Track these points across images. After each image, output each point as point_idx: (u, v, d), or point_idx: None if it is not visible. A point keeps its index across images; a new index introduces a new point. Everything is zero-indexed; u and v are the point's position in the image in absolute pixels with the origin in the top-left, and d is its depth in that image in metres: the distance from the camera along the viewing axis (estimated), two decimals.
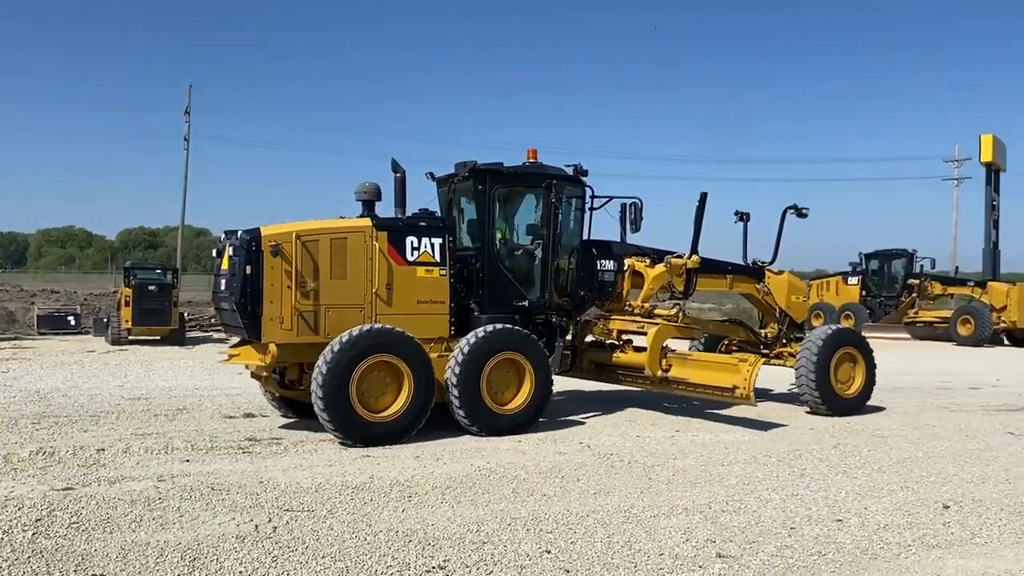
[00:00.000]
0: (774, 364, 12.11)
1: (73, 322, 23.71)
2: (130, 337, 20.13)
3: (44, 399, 11.31)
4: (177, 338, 20.35)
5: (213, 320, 25.75)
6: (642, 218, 10.64)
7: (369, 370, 8.43)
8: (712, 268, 11.69)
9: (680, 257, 11.12)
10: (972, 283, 28.22)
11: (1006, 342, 26.60)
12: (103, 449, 8.02)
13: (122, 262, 34.57)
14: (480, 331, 9.18)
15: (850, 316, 27.32)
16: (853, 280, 29.33)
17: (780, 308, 12.40)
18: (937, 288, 28.10)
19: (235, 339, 9.43)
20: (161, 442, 8.43)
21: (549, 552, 5.24)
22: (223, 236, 9.24)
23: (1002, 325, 26.10)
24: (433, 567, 4.97)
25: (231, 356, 9.28)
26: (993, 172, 35.16)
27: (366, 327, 8.52)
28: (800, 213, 12.41)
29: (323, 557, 5.09)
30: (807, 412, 11.05)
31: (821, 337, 11.07)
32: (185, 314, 22.66)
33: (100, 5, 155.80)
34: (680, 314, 11.04)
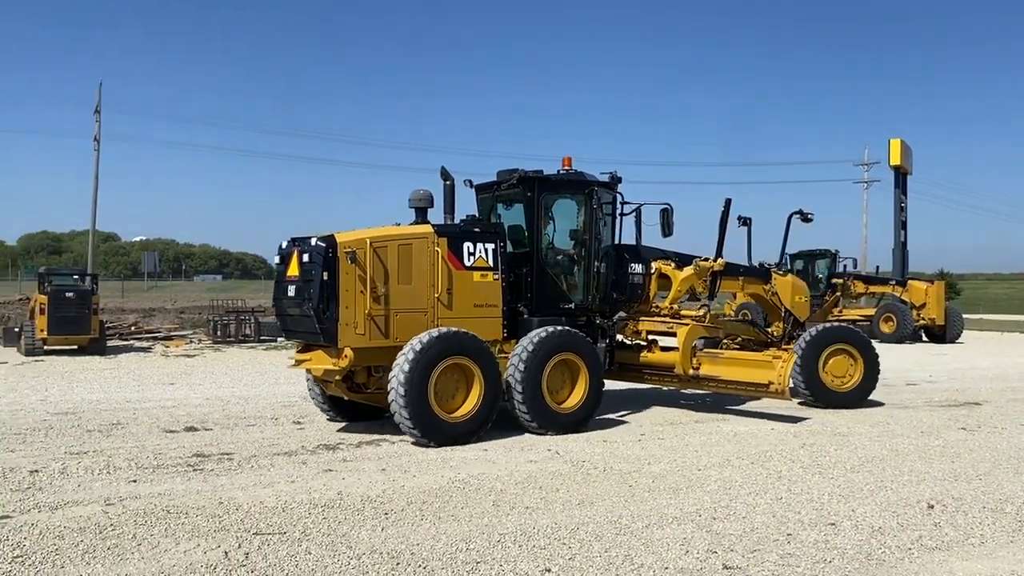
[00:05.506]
0: None
1: None
2: (45, 347, 18.92)
3: None
4: (98, 347, 19.22)
5: (134, 328, 24.54)
6: (673, 223, 10.89)
7: (443, 372, 8.58)
8: (729, 271, 12.00)
9: (707, 260, 11.41)
10: (893, 282, 29.09)
11: (924, 338, 27.52)
12: (37, 471, 7.34)
13: (25, 268, 32.59)
14: (540, 332, 9.31)
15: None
16: None
17: (785, 307, 12.70)
18: (860, 287, 28.71)
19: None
20: (100, 461, 7.79)
21: (549, 571, 4.93)
22: (286, 243, 9.31)
23: (922, 322, 27.02)
24: None
25: (299, 362, 9.31)
26: (901, 175, 36.58)
27: (442, 330, 8.67)
28: (805, 218, 13.10)
29: None
30: (799, 403, 11.67)
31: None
32: (105, 322, 21.47)
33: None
34: (707, 315, 11.28)
